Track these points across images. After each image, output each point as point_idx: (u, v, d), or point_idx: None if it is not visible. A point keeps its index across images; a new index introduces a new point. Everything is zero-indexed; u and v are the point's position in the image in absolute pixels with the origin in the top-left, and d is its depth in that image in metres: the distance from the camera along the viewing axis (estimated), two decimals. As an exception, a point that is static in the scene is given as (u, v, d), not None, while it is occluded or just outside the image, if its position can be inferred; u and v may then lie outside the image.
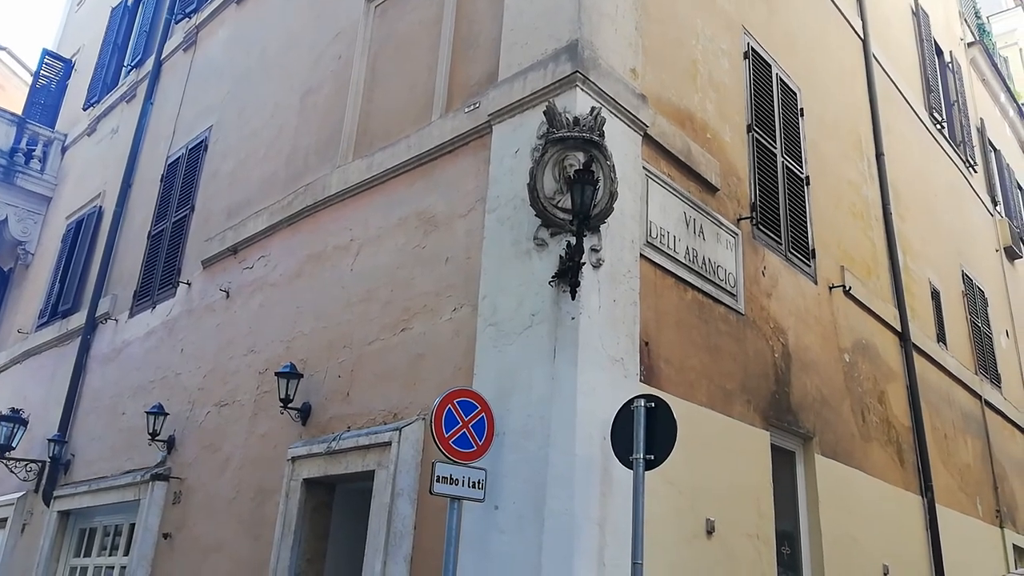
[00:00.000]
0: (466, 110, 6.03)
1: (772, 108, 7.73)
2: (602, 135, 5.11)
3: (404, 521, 5.10)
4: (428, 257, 5.91)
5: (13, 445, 9.83)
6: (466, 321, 5.38)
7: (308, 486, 5.97)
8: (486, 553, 4.59)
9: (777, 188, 7.43)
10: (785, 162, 7.68)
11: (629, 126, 5.64)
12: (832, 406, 7.29)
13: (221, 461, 7.03)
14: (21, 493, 10.09)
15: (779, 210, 7.36)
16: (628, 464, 4.50)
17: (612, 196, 5.08)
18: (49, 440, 9.53)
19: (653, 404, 4.53)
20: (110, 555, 8.41)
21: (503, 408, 4.80)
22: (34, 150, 13.55)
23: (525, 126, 5.48)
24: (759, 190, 7.13)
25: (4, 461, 9.78)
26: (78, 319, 10.61)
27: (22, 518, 9.95)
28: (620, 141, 5.46)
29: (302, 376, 6.32)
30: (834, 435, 7.17)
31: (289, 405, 6.24)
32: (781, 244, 7.24)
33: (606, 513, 4.61)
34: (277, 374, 6.29)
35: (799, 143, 8.05)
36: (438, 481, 4.39)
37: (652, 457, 4.44)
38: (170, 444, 7.72)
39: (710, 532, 5.36)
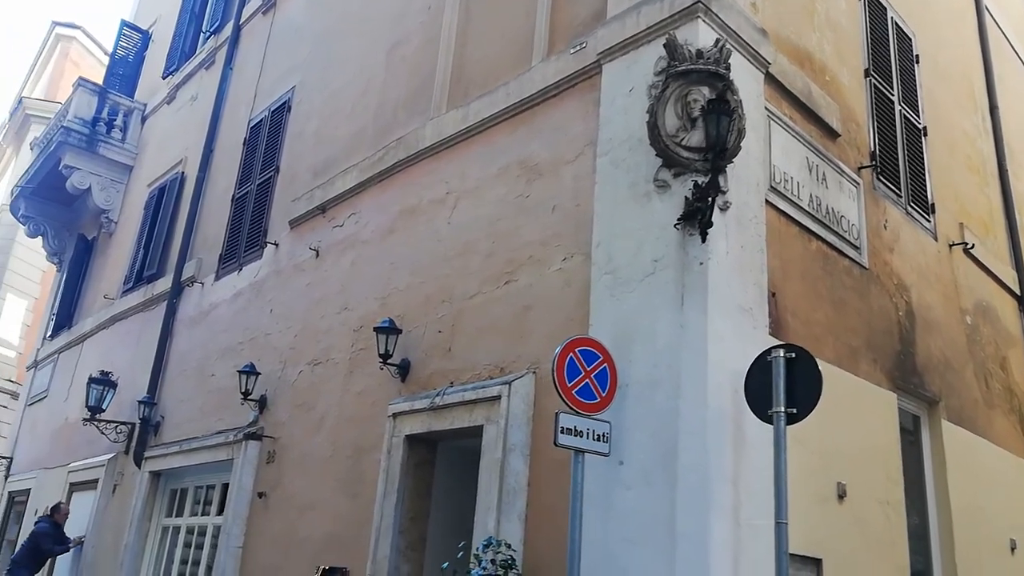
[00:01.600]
0: (571, 51, 5.71)
1: (888, 53, 7.22)
2: (728, 68, 4.75)
3: (517, 478, 4.88)
4: (532, 206, 5.64)
5: (103, 407, 9.98)
6: (577, 270, 5.10)
7: (410, 443, 5.80)
8: (610, 509, 4.33)
9: (895, 137, 6.95)
10: (902, 110, 7.18)
11: (751, 62, 5.26)
12: (956, 370, 6.82)
13: (316, 419, 6.93)
14: (111, 455, 10.25)
15: (898, 160, 6.88)
16: (766, 419, 4.18)
17: (740, 134, 4.71)
18: (139, 402, 9.62)
19: (794, 354, 4.19)
20: (202, 515, 8.43)
21: (624, 359, 4.52)
22: (115, 120, 13.71)
23: (640, 63, 5.14)
24: (878, 138, 6.66)
25: (95, 423, 9.93)
26: (163, 284, 10.68)
27: (113, 479, 10.10)
28: (743, 78, 5.07)
29: (400, 331, 6.13)
30: (959, 400, 6.71)
31: (388, 361, 6.07)
32: (901, 196, 6.77)
33: (739, 470, 4.31)
34: (376, 329, 6.12)
35: (915, 91, 7.52)
36: (562, 432, 4.14)
37: (795, 411, 4.11)
38: (262, 404, 7.66)
39: (841, 496, 5.01)
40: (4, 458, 14.31)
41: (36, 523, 10.16)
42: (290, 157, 8.95)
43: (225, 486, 8.10)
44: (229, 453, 7.73)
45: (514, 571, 4.44)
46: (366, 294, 6.90)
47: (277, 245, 8.48)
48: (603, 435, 4.29)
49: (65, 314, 13.88)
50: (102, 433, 10.01)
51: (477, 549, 4.50)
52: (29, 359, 15.64)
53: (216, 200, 10.30)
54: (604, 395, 4.37)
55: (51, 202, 15.05)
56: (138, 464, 9.51)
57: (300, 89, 9.27)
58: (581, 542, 4.09)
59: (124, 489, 9.79)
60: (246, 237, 9.17)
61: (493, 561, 4.35)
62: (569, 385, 4.24)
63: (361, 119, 7.93)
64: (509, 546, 4.51)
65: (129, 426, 10.08)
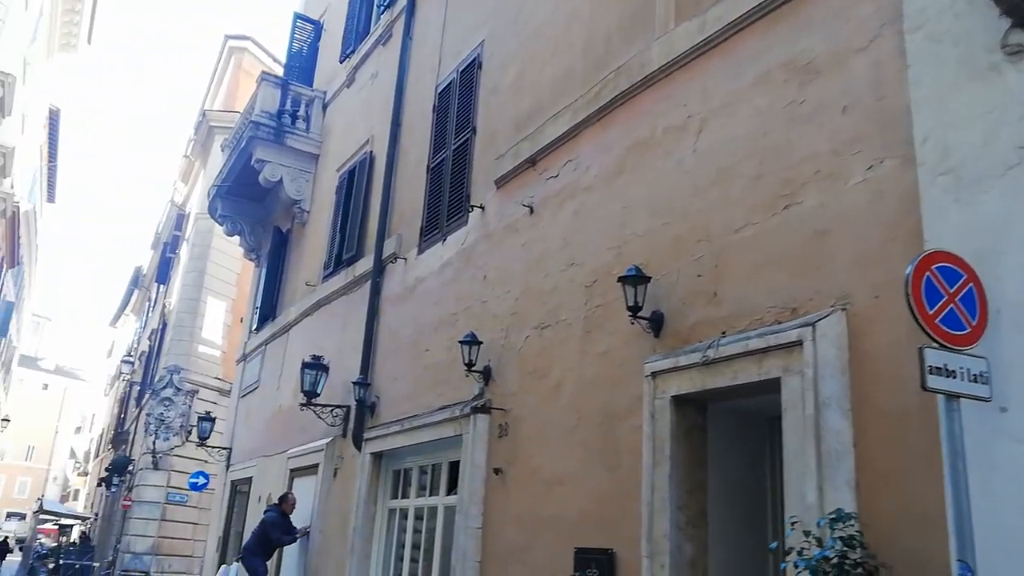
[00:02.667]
0: (845, -81, 4.67)
1: None
2: None
3: (839, 437, 3.96)
4: (811, 112, 4.67)
5: (318, 391, 9.92)
6: (893, 177, 4.09)
7: (678, 404, 5.01)
8: (994, 468, 3.33)
9: None
10: None
11: None
12: None
13: (551, 387, 6.30)
14: (329, 439, 10.20)
15: None
16: None
17: None
18: (353, 383, 9.46)
19: None
20: (431, 495, 8.08)
21: (990, 276, 3.49)
22: (298, 111, 13.85)
23: (956, -92, 4.04)
24: None
25: (311, 407, 9.88)
26: (364, 264, 10.52)
27: (333, 463, 10.05)
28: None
29: (649, 279, 5.35)
30: None
31: (638, 315, 5.31)
32: None
33: None
34: (622, 279, 5.36)
35: None
36: (931, 373, 3.19)
37: None
38: (486, 375, 7.14)
39: None
40: (224, 449, 14.93)
41: (265, 512, 10.31)
42: (487, 114, 8.40)
43: (452, 464, 7.70)
44: (456, 429, 7.29)
45: (860, 548, 3.55)
46: (596, 245, 6.18)
47: (483, 208, 7.94)
48: (980, 375, 3.31)
49: (268, 306, 14.24)
50: (319, 417, 9.97)
51: (817, 524, 3.64)
52: (237, 353, 16.29)
53: (409, 173, 9.97)
54: (975, 324, 3.37)
55: (245, 200, 15.56)
56: (358, 446, 9.35)
57: (490, 42, 8.68)
58: (970, 510, 3.14)
59: (345, 472, 9.70)
60: (447, 205, 8.73)
61: (841, 538, 3.47)
62: (930, 313, 3.29)
63: (566, 58, 7.20)
64: (849, 518, 3.61)
65: (344, 409, 9.99)
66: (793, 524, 3.75)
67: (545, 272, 6.73)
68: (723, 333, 4.83)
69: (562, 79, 7.16)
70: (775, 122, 4.88)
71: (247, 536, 12.43)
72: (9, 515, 74.63)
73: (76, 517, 36.04)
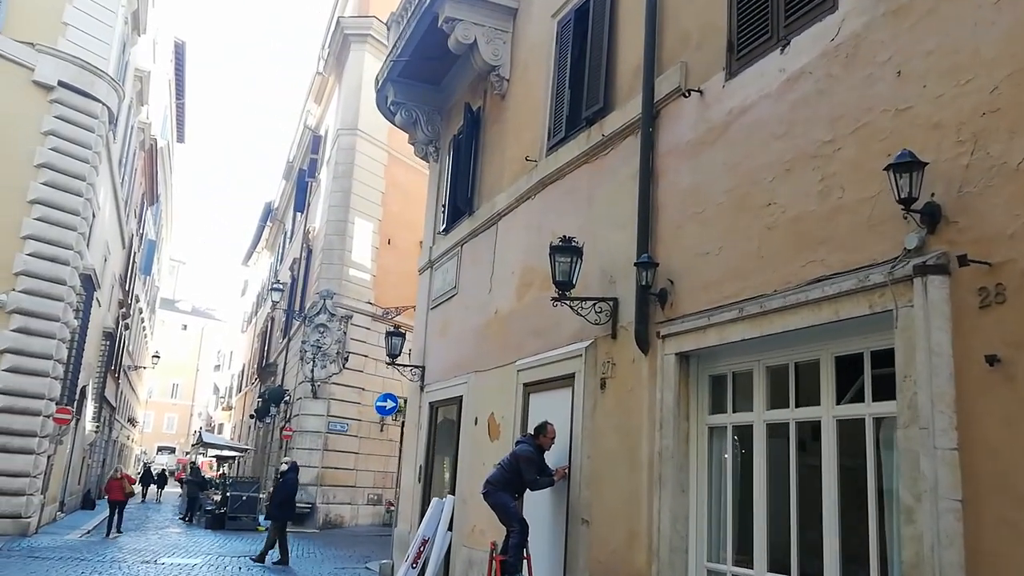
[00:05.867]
0: None
1: None
2: None
3: None
4: None
5: (573, 282, 7.64)
6: None
7: None
8: None
9: None
10: None
11: None
12: None
13: None
14: (587, 342, 7.95)
15: None
16: None
17: None
18: (636, 265, 7.07)
19: None
20: (798, 406, 5.63)
21: None
22: (488, -42, 11.37)
23: None
24: None
25: (567, 302, 7.62)
26: (618, 118, 8.06)
27: (598, 371, 7.79)
28: None
29: None
30: None
31: None
32: None
33: None
34: None
35: None
36: None
37: None
38: (931, 216, 4.57)
39: None
40: (416, 367, 13.05)
41: (516, 443, 8.26)
42: None
43: (842, 360, 5.25)
44: (871, 304, 4.79)
45: None
46: None
47: (876, -24, 5.26)
48: None
49: (462, 200, 12.05)
50: (577, 314, 7.70)
51: None
52: (421, 260, 14.30)
53: (690, -20, 7.35)
54: None
55: (419, 83, 13.43)
56: (643, 348, 7.04)
57: None
58: None
59: (620, 382, 7.42)
60: (783, -1, 6.08)
61: None
62: None
63: None
64: None
65: (611, 302, 7.68)
66: None
67: (1071, 29, 4.04)
68: None
69: None
70: None
71: (462, 464, 10.55)
72: (160, 449, 78.84)
73: (234, 449, 36.27)
